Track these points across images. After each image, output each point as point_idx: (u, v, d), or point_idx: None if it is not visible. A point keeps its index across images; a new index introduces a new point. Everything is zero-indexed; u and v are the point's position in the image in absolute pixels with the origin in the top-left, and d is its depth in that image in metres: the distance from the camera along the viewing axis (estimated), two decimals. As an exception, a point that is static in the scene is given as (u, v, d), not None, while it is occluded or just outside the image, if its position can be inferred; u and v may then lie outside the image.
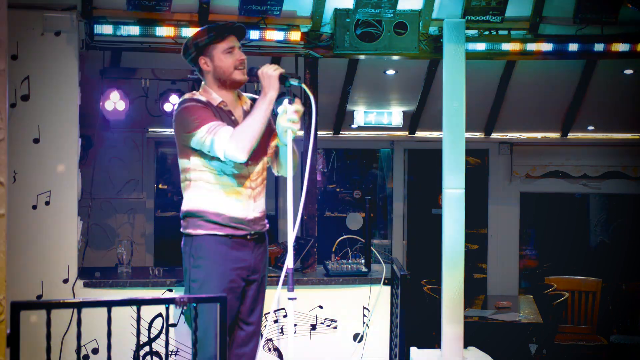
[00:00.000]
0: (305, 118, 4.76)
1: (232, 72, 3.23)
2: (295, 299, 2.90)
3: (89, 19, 4.40)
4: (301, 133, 5.04)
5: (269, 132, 3.31)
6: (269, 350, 4.36)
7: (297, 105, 3.09)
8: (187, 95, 3.26)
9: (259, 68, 3.15)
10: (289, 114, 3.06)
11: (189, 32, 4.51)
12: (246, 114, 3.26)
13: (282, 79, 3.12)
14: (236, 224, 3.20)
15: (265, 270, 3.39)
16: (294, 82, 3.11)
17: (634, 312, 6.41)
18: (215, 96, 3.25)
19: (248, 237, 3.24)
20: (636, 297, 6.36)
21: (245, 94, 3.41)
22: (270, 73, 3.10)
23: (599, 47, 4.89)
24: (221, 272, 3.19)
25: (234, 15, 4.63)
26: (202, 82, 3.31)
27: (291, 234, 2.89)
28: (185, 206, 3.24)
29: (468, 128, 4.25)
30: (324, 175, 8.41)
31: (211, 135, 3.07)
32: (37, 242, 4.18)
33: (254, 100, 3.29)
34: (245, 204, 3.23)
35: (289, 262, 2.85)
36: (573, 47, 4.88)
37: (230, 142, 3.04)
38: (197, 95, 3.26)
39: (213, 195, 3.20)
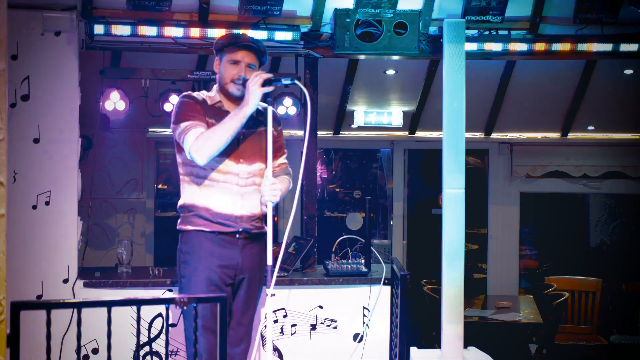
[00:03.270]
0: (302, 116, 4.76)
1: (228, 83, 3.29)
2: (273, 295, 3.03)
3: (89, 19, 4.40)
4: (300, 133, 5.04)
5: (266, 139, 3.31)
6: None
7: (275, 180, 3.19)
8: (187, 92, 3.36)
9: (249, 78, 3.17)
10: (268, 188, 3.15)
11: (189, 32, 4.51)
12: (253, 119, 3.29)
13: (267, 82, 3.12)
14: (223, 220, 3.26)
15: (259, 272, 3.39)
16: (286, 81, 3.12)
17: (634, 312, 6.41)
18: (216, 95, 3.33)
19: (236, 235, 3.26)
20: (636, 297, 6.36)
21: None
22: (253, 88, 3.11)
23: (598, 47, 4.88)
24: (205, 268, 3.25)
25: (234, 15, 4.63)
26: None
27: (271, 232, 2.93)
28: (180, 200, 3.36)
29: (468, 128, 4.25)
30: (323, 177, 8.41)
31: (184, 134, 3.17)
32: (37, 242, 4.18)
33: (261, 110, 3.29)
34: (232, 200, 3.26)
35: (269, 260, 3.03)
36: (573, 47, 4.88)
37: (194, 144, 3.13)
38: (196, 92, 3.35)
39: (202, 191, 3.26)
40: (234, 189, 3.26)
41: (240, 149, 3.27)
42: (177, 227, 3.35)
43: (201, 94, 3.34)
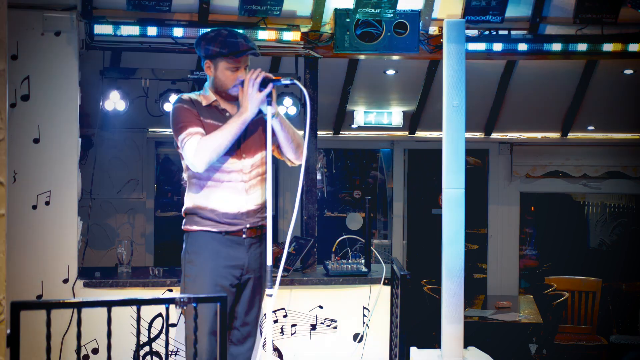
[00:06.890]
0: (302, 116, 4.76)
1: (230, 88, 3.25)
2: (271, 295, 2.98)
3: (89, 19, 4.39)
4: (300, 133, 5.04)
5: (264, 127, 3.24)
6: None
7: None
8: (180, 95, 3.31)
9: (244, 80, 3.14)
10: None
11: (189, 32, 4.51)
12: None
13: (265, 82, 3.09)
14: (230, 219, 3.24)
15: (265, 272, 3.38)
16: (286, 81, 3.10)
17: (634, 312, 6.42)
18: (211, 95, 3.30)
19: (243, 235, 3.26)
20: (636, 297, 6.37)
21: None
22: (251, 93, 3.07)
23: (598, 47, 4.88)
24: (212, 269, 3.24)
25: (234, 15, 4.63)
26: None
27: (270, 233, 2.91)
28: (185, 204, 3.33)
29: (468, 128, 4.24)
30: (324, 175, 8.41)
31: (183, 144, 3.15)
32: (37, 242, 4.18)
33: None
34: (238, 197, 3.25)
35: (269, 260, 2.97)
36: (573, 47, 4.87)
37: (195, 155, 3.10)
38: (189, 94, 3.30)
39: (207, 193, 3.25)
40: (239, 186, 3.25)
41: (243, 144, 3.26)
42: (183, 228, 3.33)
43: (194, 95, 3.30)
